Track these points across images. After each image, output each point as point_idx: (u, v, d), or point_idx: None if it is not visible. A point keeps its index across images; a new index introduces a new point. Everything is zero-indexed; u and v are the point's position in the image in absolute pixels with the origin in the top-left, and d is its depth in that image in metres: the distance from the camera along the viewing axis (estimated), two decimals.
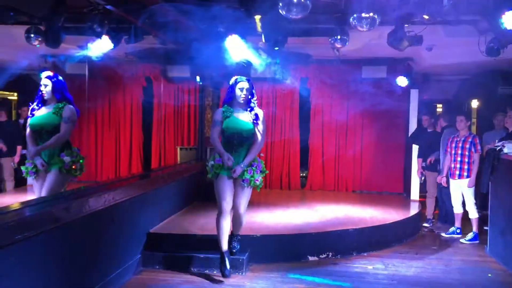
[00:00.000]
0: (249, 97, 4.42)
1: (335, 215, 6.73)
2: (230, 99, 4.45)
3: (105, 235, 4.27)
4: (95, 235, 4.09)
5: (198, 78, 8.63)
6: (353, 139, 9.20)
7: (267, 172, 4.48)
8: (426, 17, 4.72)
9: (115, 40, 5.85)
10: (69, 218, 3.60)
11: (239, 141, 4.39)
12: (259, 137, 4.44)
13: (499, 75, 8.08)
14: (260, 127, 4.44)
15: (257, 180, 4.39)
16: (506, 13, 4.28)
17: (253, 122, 4.40)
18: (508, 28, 4.33)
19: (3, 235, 2.84)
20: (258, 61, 6.99)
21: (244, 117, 4.40)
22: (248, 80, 4.43)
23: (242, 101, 4.38)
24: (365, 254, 5.66)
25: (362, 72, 8.58)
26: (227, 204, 4.46)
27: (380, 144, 8.97)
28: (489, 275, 4.96)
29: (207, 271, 4.86)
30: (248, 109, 4.44)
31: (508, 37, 4.88)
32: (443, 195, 7.06)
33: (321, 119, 9.23)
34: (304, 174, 9.51)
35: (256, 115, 4.42)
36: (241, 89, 4.35)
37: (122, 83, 9.16)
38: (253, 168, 4.41)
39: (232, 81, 4.47)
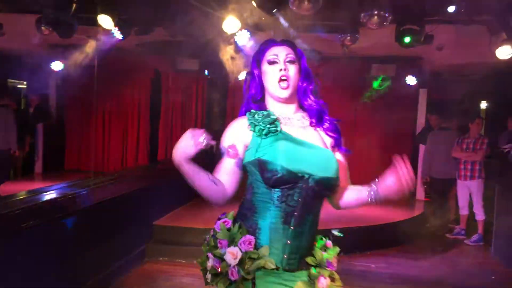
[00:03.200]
0: (302, 85, 1.90)
1: (338, 212, 6.69)
2: (255, 96, 1.91)
3: (110, 226, 4.30)
4: (100, 225, 4.12)
5: (206, 72, 8.64)
6: (359, 137, 9.14)
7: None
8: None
9: (124, 31, 5.86)
10: (75, 208, 3.64)
11: (309, 199, 1.76)
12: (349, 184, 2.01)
13: (509, 76, 8.01)
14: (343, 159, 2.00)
15: None
16: None
17: (333, 147, 1.95)
18: None
19: (10, 223, 2.87)
20: None
21: (310, 137, 1.84)
22: (289, 45, 1.90)
23: (283, 94, 1.83)
24: (369, 252, 5.66)
25: (371, 70, 8.53)
26: None
27: (387, 142, 8.91)
28: (492, 277, 4.95)
29: None
30: (307, 117, 1.92)
31: None
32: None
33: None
34: None
35: (333, 127, 1.94)
36: (273, 62, 1.84)
37: (130, 74, 9.17)
38: (327, 270, 1.84)
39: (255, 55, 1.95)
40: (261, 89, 1.90)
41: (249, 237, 1.72)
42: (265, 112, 1.82)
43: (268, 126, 1.77)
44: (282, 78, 1.81)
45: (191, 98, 9.28)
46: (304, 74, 1.90)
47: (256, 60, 1.91)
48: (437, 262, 5.42)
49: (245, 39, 5.86)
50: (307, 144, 1.80)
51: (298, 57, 1.90)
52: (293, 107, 1.91)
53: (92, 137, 9.49)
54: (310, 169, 1.72)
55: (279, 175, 1.69)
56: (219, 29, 5.41)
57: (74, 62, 7.30)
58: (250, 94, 1.92)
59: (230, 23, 5.17)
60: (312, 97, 1.91)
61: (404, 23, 5.41)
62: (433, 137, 6.99)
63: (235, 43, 6.15)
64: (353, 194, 1.96)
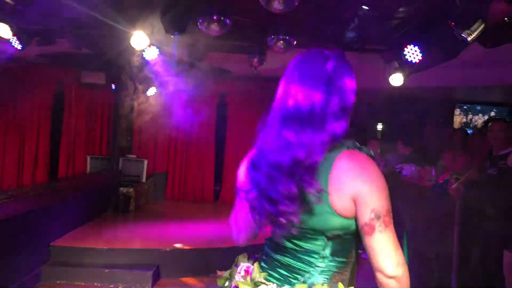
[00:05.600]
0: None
1: (217, 233, 6.81)
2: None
3: (0, 248, 4.01)
4: None
5: (113, 86, 8.41)
6: None
7: None
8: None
9: (24, 41, 5.55)
10: None
11: None
12: None
13: (402, 102, 8.71)
14: None
15: None
16: (408, 46, 4.65)
17: None
18: (409, 60, 4.70)
19: None
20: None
21: None
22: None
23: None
24: None
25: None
26: None
27: None
28: None
29: (111, 286, 4.72)
30: None
31: (409, 67, 5.29)
32: None
33: (237, 134, 9.36)
34: (218, 187, 9.56)
35: None
36: None
37: (30, 86, 8.66)
38: None
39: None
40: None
41: None
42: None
43: None
44: None
45: (97, 113, 8.95)
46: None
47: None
48: None
49: (153, 55, 5.81)
50: None
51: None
52: None
53: None
54: None
55: None
56: (127, 44, 5.32)
57: None
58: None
59: (138, 39, 5.10)
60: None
61: (308, 48, 5.68)
62: None
63: (144, 58, 6.08)
64: None
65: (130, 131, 9.11)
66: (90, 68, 8.06)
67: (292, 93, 1.46)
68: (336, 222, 1.41)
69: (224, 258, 5.84)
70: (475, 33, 3.53)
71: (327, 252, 1.46)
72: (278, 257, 1.52)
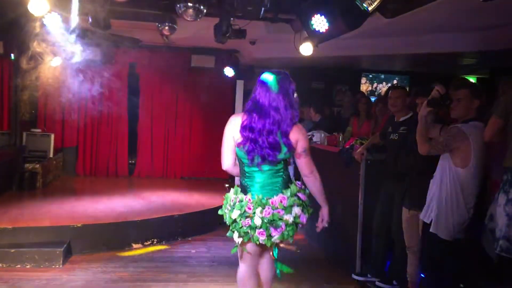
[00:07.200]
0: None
1: (162, 201, 6.79)
2: None
3: None
4: None
5: (12, 56, 7.81)
6: (182, 126, 9.32)
7: None
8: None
9: None
10: None
11: None
12: None
13: (312, 71, 8.96)
14: None
15: None
16: (315, 15, 4.76)
17: None
18: (317, 29, 4.82)
19: None
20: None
21: None
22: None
23: None
24: (190, 238, 5.84)
25: (191, 61, 8.72)
26: None
27: (208, 131, 9.23)
28: (298, 250, 5.52)
29: (18, 266, 4.51)
30: None
31: (317, 37, 5.43)
32: None
33: (151, 105, 9.15)
34: (132, 161, 9.34)
35: None
36: None
37: None
38: None
39: None
40: None
41: None
42: None
43: None
44: None
45: None
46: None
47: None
48: None
49: (55, 22, 5.45)
50: None
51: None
52: None
53: None
54: None
55: None
56: (26, 10, 4.93)
57: None
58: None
59: (37, 4, 4.75)
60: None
61: (220, 18, 5.63)
62: None
63: (44, 25, 5.69)
64: None
65: (34, 104, 8.58)
66: None
67: (274, 98, 2.80)
68: (288, 154, 2.85)
69: (138, 230, 5.80)
70: (375, 3, 3.69)
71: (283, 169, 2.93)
72: (260, 179, 2.89)
